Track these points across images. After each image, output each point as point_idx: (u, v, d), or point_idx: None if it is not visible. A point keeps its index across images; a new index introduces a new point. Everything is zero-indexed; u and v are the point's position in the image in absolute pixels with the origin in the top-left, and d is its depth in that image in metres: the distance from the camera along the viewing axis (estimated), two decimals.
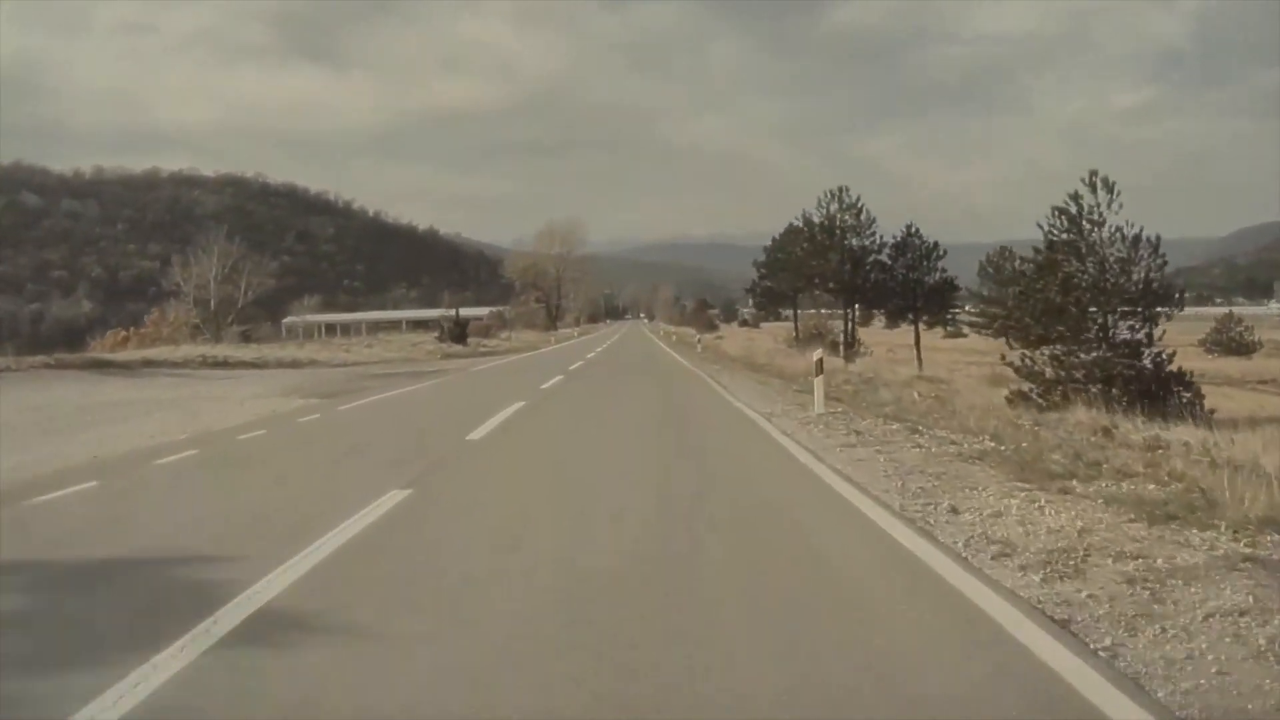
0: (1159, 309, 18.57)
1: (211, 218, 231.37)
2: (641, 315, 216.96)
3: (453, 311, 70.11)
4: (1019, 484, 7.57)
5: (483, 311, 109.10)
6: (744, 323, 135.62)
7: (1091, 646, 3.97)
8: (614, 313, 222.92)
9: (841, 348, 31.55)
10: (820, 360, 14.86)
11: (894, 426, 12.01)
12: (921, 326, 43.06)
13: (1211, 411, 16.94)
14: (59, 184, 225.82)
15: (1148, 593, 4.68)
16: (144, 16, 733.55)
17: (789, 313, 49.15)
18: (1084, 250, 18.51)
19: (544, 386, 20.84)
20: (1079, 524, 6.08)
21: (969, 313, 46.03)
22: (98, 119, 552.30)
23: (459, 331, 51.38)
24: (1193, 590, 4.70)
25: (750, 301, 40.87)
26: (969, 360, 38.74)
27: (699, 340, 45.10)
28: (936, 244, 39.58)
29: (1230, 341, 61.79)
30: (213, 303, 49.71)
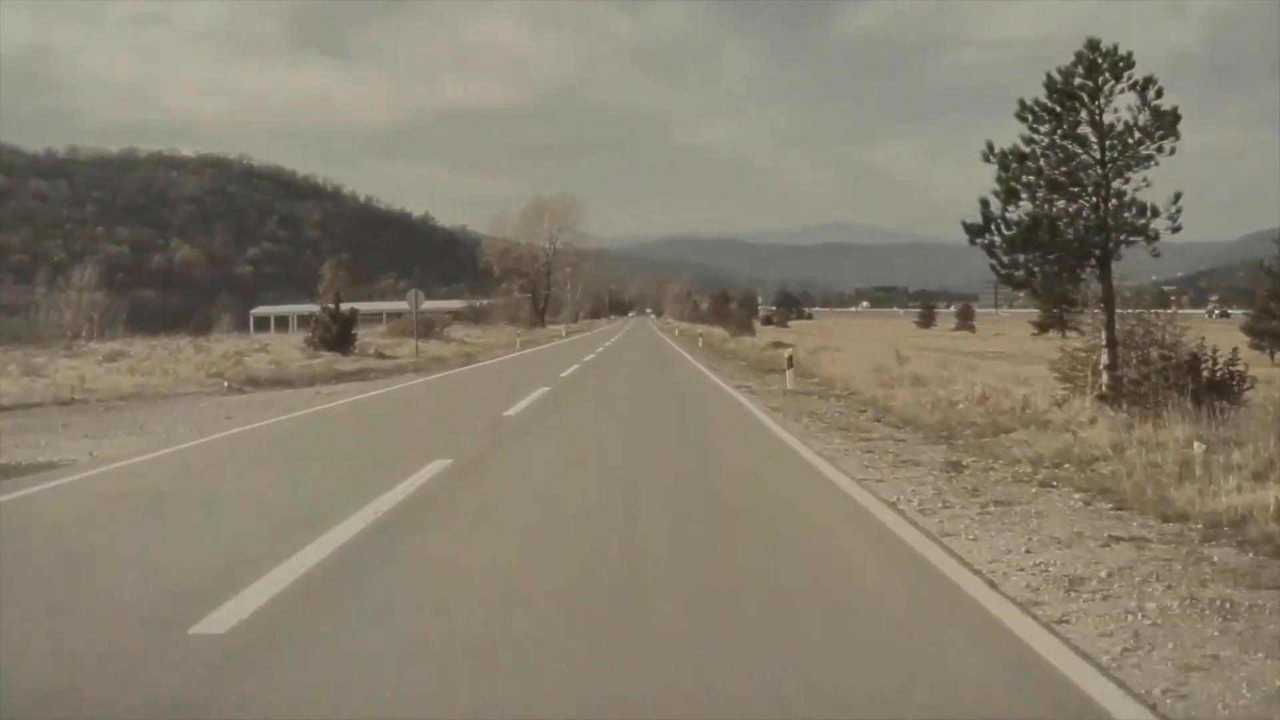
0: None
1: (189, 200, 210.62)
2: (648, 311, 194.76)
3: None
4: None
5: (475, 304, 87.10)
6: (768, 320, 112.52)
7: None
8: (619, 307, 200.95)
9: None
10: None
11: None
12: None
13: None
14: (28, 163, 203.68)
15: None
16: (156, 9, 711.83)
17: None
18: None
19: None
20: None
21: None
22: (108, 111, 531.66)
23: (339, 333, 28.91)
24: None
25: (995, 264, 14.20)
26: None
27: (788, 359, 21.30)
28: None
29: None
30: None
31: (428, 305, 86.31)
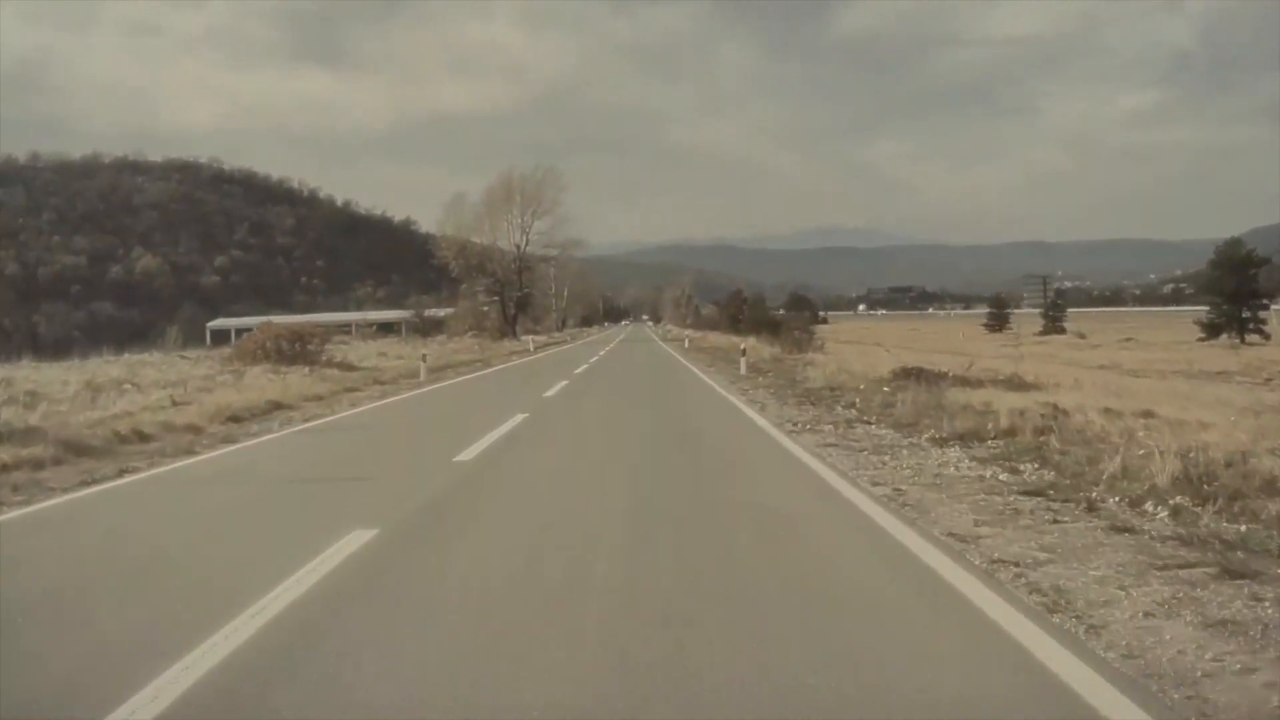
0: None
1: (153, 206, 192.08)
2: (645, 317, 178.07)
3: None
4: None
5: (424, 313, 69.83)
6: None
7: None
8: (614, 314, 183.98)
9: None
10: None
11: None
12: None
13: None
14: None
15: None
16: (151, 17, 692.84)
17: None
18: None
19: None
20: None
21: None
22: (105, 119, 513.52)
23: None
24: None
25: None
26: None
27: None
28: None
29: None
30: None
31: (369, 316, 67.96)
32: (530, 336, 50.42)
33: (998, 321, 68.63)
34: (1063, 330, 58.99)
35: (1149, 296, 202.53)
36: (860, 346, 34.03)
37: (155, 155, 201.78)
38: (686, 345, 43.21)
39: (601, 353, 38.59)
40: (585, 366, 26.86)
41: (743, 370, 22.00)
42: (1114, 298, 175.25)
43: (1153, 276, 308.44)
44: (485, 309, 62.64)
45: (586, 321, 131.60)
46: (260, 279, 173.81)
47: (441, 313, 67.25)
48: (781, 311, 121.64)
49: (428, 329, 56.63)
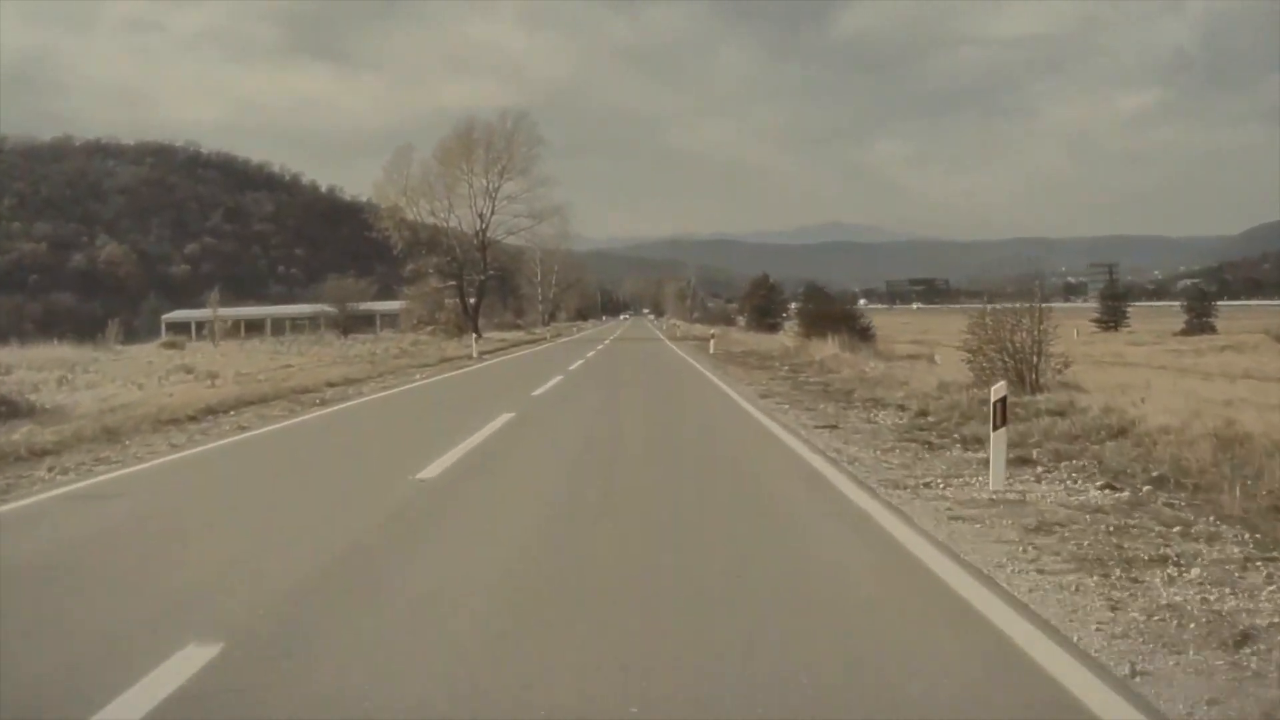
0: None
1: (122, 192, 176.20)
2: (645, 311, 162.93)
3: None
4: None
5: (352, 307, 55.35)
6: (817, 321, 77.49)
7: None
8: (612, 307, 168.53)
9: None
10: None
11: None
12: None
13: None
14: None
15: None
16: (151, 14, 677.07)
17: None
18: None
19: None
20: None
21: None
22: (104, 116, 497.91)
23: None
24: None
25: None
26: None
27: None
28: None
29: None
30: None
31: (223, 313, 52.34)
32: (478, 336, 34.66)
33: (1113, 317, 51.73)
34: (1213, 329, 42.88)
35: (1163, 293, 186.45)
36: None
37: (129, 138, 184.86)
38: (712, 350, 27.58)
39: (575, 365, 23.14)
40: (503, 421, 11.26)
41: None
42: (1160, 290, 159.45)
43: (1157, 273, 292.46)
44: (449, 300, 47.33)
45: (581, 315, 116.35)
46: (234, 268, 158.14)
47: (380, 307, 52.06)
48: (795, 305, 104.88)
49: (348, 324, 41.07)
